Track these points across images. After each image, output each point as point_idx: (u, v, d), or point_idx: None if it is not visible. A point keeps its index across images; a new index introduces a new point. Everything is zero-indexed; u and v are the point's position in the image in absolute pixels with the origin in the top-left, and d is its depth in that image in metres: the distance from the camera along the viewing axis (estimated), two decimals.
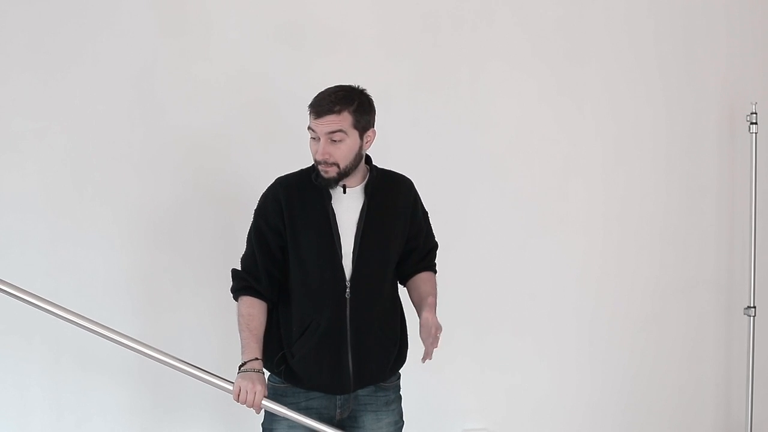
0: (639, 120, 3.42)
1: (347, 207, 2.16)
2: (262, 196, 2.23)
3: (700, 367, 3.55)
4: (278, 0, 3.03)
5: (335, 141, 2.09)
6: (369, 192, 2.18)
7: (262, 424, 2.25)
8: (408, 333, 2.32)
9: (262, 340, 2.14)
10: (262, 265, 2.17)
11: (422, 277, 2.31)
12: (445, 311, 2.68)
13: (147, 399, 2.96)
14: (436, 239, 2.40)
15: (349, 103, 2.10)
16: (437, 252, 2.40)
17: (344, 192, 2.17)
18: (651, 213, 3.46)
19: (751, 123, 3.36)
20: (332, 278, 2.13)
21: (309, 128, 2.13)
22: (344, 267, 2.14)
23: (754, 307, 3.41)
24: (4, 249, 2.82)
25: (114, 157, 2.90)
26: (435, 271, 2.37)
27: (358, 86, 2.17)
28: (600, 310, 3.41)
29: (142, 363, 2.93)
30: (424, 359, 2.13)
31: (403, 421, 2.31)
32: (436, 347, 2.10)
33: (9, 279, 2.81)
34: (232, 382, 2.07)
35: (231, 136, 2.99)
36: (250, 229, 2.23)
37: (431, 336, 2.08)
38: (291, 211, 2.15)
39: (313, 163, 2.22)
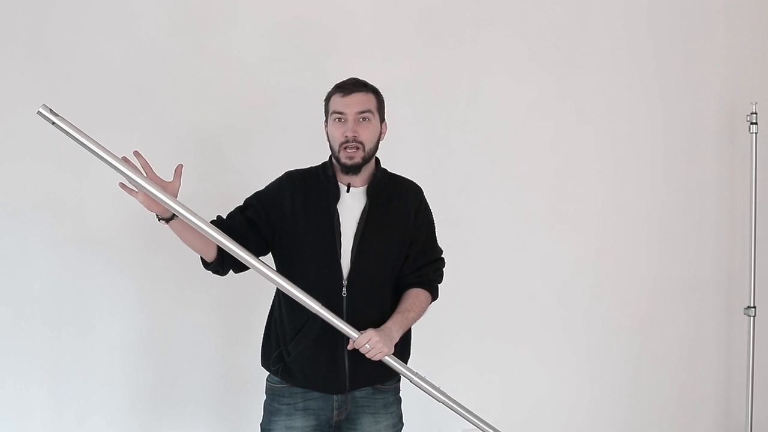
0: (639, 121, 3.42)
1: (349, 206, 2.16)
2: (269, 183, 2.24)
3: (700, 367, 3.55)
4: (281, 1, 3.04)
5: (364, 120, 2.11)
6: (372, 193, 2.17)
7: (261, 424, 2.25)
8: (411, 341, 2.30)
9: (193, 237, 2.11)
10: (240, 217, 2.18)
11: (411, 292, 2.23)
12: (443, 312, 2.68)
13: (147, 399, 2.96)
14: (442, 257, 2.31)
15: (373, 88, 2.18)
16: (443, 271, 2.32)
17: (348, 191, 2.17)
18: (651, 213, 3.45)
19: (751, 123, 3.36)
20: (330, 276, 2.13)
21: (333, 113, 2.13)
22: (342, 265, 2.14)
23: (754, 307, 3.41)
24: (4, 249, 2.83)
25: None
26: (431, 290, 2.27)
27: None
28: (600, 311, 3.41)
29: (142, 363, 2.95)
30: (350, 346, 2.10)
31: (403, 423, 2.31)
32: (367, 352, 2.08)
33: (8, 279, 2.85)
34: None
35: (232, 136, 2.99)
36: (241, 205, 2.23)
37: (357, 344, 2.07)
38: (294, 205, 2.16)
39: (321, 162, 2.23)
